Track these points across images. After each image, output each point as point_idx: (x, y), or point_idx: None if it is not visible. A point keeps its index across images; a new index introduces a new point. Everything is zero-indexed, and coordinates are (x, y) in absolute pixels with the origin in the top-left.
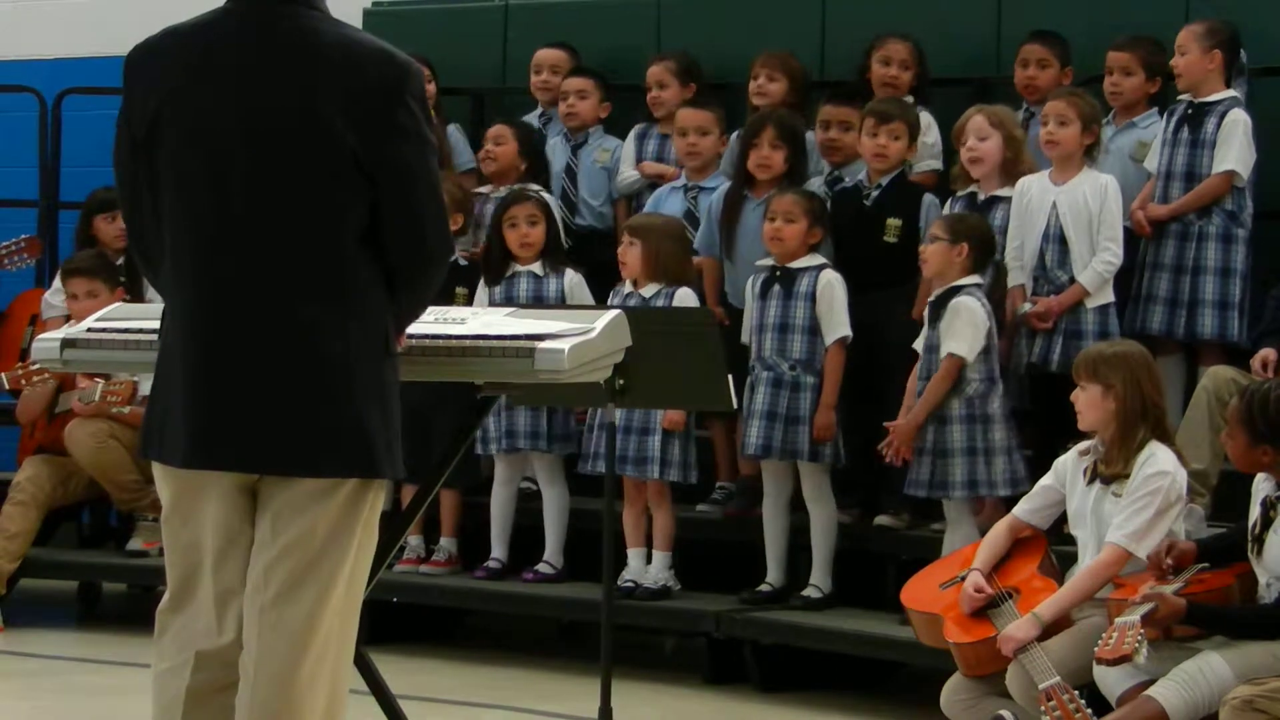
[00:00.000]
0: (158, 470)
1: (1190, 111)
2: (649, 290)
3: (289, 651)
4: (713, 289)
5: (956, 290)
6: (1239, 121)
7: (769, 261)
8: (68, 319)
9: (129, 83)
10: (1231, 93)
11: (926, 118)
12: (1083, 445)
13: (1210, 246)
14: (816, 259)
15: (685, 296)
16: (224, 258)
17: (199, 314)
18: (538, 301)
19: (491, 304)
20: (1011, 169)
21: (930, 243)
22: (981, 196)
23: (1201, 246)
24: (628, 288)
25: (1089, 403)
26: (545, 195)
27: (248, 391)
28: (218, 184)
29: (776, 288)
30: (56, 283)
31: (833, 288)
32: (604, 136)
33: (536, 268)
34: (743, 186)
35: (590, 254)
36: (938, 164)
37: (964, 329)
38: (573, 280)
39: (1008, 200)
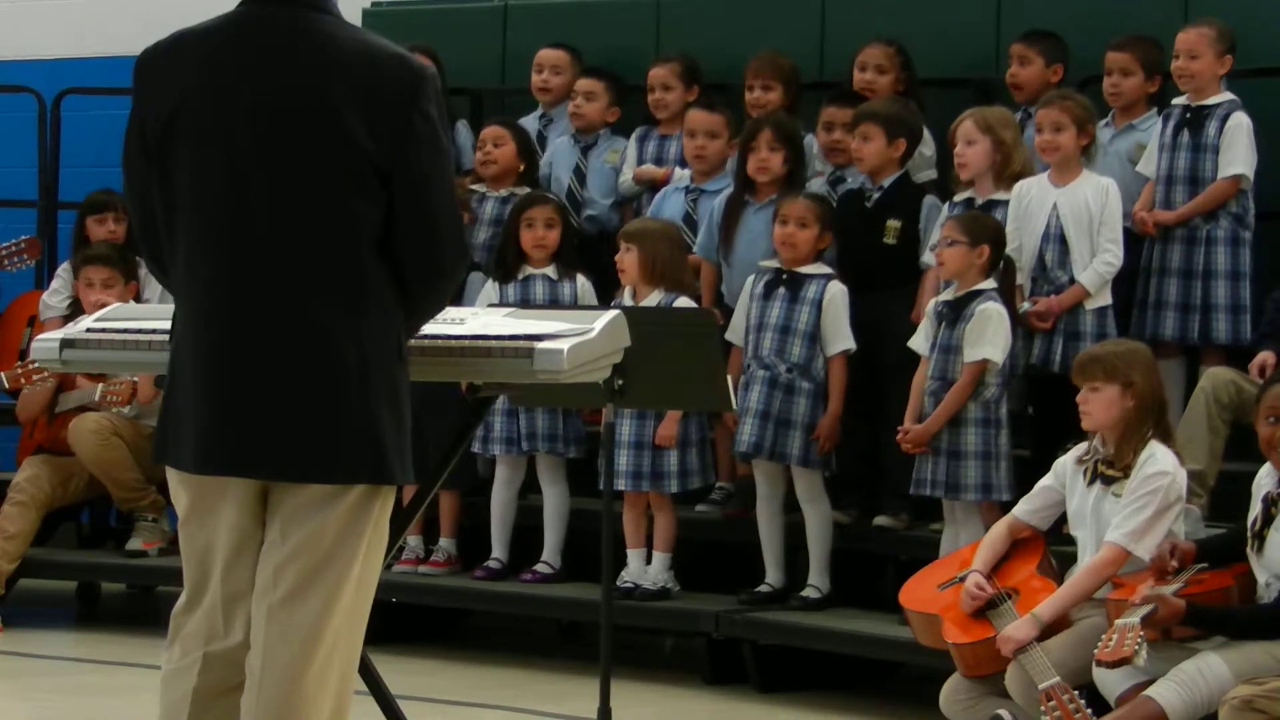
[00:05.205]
0: (173, 476)
1: (1189, 115)
2: (648, 300)
3: (297, 653)
4: (709, 291)
5: (978, 294)
6: (1242, 125)
7: (774, 263)
8: (66, 319)
9: (140, 87)
10: (1230, 95)
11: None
12: (1083, 446)
13: (1220, 250)
14: (823, 268)
15: (684, 305)
16: (239, 261)
17: (212, 318)
18: (554, 305)
19: (504, 303)
20: (1002, 173)
21: (947, 245)
22: (979, 201)
23: (1211, 251)
24: (626, 296)
25: (1105, 403)
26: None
27: (261, 396)
28: (234, 187)
29: (781, 290)
30: (55, 283)
31: (838, 300)
32: (613, 138)
33: (550, 271)
34: (743, 191)
35: (598, 256)
36: (933, 174)
37: (996, 336)
38: (585, 287)
39: (1004, 204)
